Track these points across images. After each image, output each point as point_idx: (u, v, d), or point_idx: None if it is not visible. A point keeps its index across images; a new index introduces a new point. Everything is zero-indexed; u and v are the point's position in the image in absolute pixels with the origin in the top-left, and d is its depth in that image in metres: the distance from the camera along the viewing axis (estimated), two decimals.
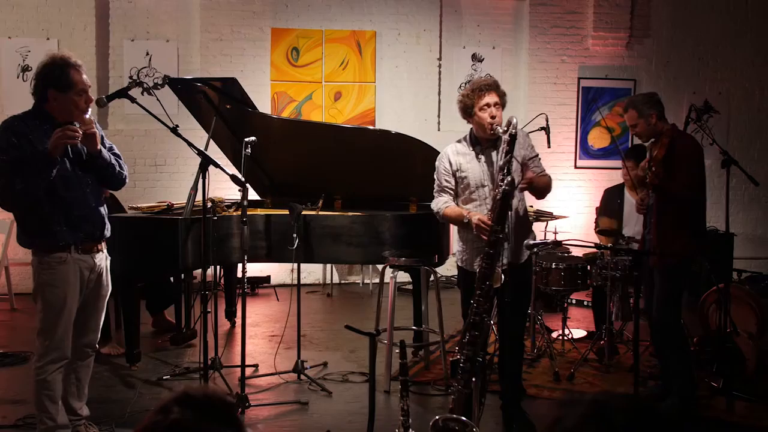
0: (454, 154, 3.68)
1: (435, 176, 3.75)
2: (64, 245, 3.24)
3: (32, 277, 3.32)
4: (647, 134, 4.02)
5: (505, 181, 3.23)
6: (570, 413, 1.09)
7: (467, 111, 3.61)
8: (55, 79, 3.17)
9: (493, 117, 3.51)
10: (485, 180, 3.59)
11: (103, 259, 3.44)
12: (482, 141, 3.63)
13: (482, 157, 3.62)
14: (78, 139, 3.14)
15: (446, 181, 3.68)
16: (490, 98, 3.54)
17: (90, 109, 3.29)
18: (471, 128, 3.69)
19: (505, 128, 3.32)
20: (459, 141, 3.73)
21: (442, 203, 3.68)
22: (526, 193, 3.74)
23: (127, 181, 3.52)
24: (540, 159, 3.72)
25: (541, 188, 3.65)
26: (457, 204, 3.69)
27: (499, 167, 3.29)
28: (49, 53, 3.29)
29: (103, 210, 3.42)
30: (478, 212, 3.51)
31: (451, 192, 3.69)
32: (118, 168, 3.43)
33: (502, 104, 3.59)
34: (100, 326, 3.54)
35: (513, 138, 3.28)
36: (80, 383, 3.50)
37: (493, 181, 3.49)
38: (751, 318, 4.87)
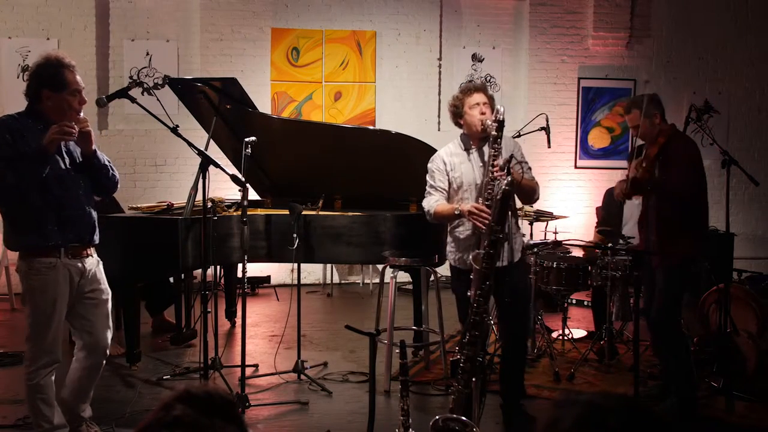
0: (448, 155, 3.70)
1: (427, 178, 3.75)
2: (53, 246, 3.20)
3: (20, 281, 3.26)
4: (650, 135, 3.95)
5: (506, 181, 3.22)
6: (566, 414, 1.10)
7: (458, 114, 3.66)
8: (48, 79, 3.15)
9: (483, 114, 3.55)
10: (478, 179, 3.60)
11: (94, 264, 3.39)
12: (474, 140, 3.66)
13: (474, 155, 3.64)
14: (74, 135, 3.14)
15: (440, 180, 3.68)
16: (479, 97, 3.60)
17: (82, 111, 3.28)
18: (462, 131, 3.73)
19: (494, 118, 3.37)
20: (452, 142, 3.77)
21: (434, 201, 3.67)
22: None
23: (118, 185, 3.50)
24: (530, 168, 3.70)
25: (526, 189, 3.60)
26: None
27: (499, 167, 3.29)
28: (43, 53, 3.27)
29: (94, 214, 3.39)
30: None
31: (443, 191, 3.69)
32: (111, 171, 3.42)
33: (491, 105, 3.62)
34: (111, 330, 3.48)
35: (501, 124, 3.33)
36: (86, 389, 3.46)
37: (485, 175, 3.50)
38: (751, 318, 4.87)
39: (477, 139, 3.64)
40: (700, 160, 3.97)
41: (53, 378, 3.32)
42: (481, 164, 3.61)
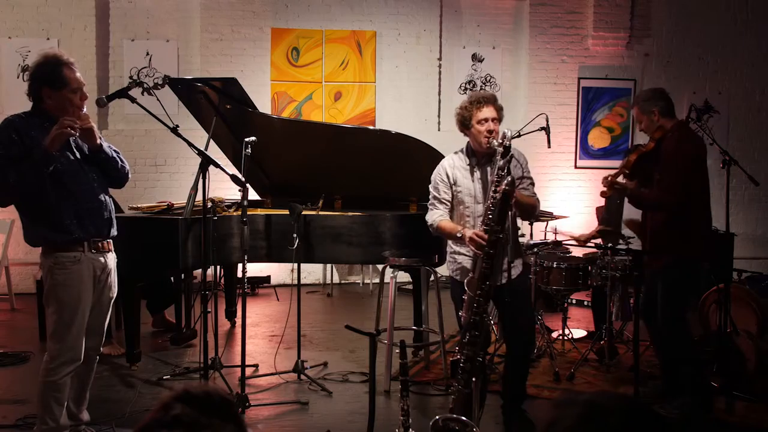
0: (451, 168, 3.66)
1: (430, 188, 3.72)
2: (77, 239, 3.22)
3: (44, 278, 3.28)
4: (650, 130, 3.98)
5: (506, 181, 3.22)
6: (566, 414, 1.10)
7: (465, 123, 3.60)
8: (48, 77, 3.16)
9: (490, 131, 3.50)
10: (479, 197, 3.58)
11: (112, 259, 3.43)
12: (478, 154, 3.62)
13: (477, 174, 3.60)
14: (76, 130, 3.14)
15: (444, 192, 3.66)
16: (489, 112, 3.53)
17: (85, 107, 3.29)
18: (468, 141, 3.68)
19: (500, 141, 3.33)
20: (456, 153, 3.72)
21: (437, 216, 3.65)
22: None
23: (129, 175, 3.52)
24: (532, 183, 3.66)
25: (524, 205, 3.55)
26: (452, 218, 3.68)
27: (498, 176, 3.28)
28: (41, 52, 3.28)
29: (111, 205, 3.42)
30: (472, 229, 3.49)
31: (448, 204, 3.67)
32: (120, 162, 3.43)
33: (499, 119, 3.57)
34: (105, 329, 3.53)
35: (507, 149, 3.29)
36: (82, 387, 3.49)
37: (487, 198, 3.47)
38: (751, 318, 4.88)
39: (482, 153, 3.59)
40: (696, 157, 3.90)
41: (69, 380, 3.32)
42: (483, 186, 3.56)
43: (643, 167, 3.97)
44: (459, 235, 3.48)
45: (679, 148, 3.85)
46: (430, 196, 3.72)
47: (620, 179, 3.97)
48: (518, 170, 3.55)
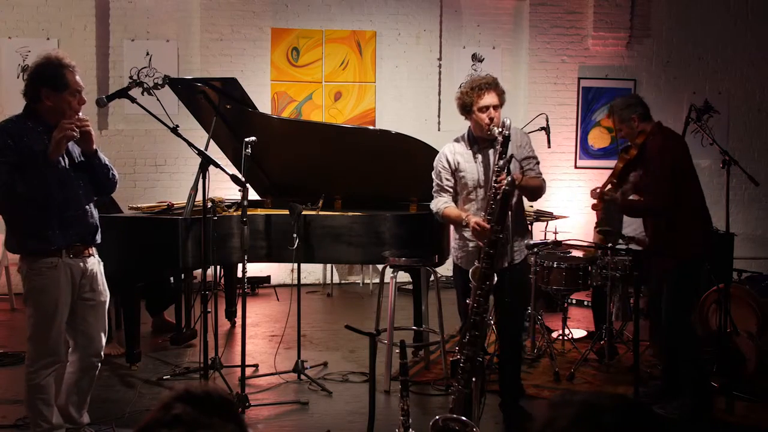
0: (452, 154, 3.67)
1: (433, 176, 3.73)
2: (55, 249, 3.19)
3: (22, 283, 3.26)
4: (632, 137, 3.99)
5: (506, 181, 3.23)
6: (561, 414, 1.10)
7: (466, 108, 3.60)
8: (49, 78, 3.15)
9: (491, 118, 3.50)
10: (482, 180, 3.59)
11: (95, 264, 3.38)
12: (480, 140, 3.63)
13: (479, 157, 3.62)
14: (76, 135, 3.14)
15: (446, 179, 3.67)
16: (490, 99, 3.53)
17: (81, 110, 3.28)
18: (469, 126, 3.69)
19: (500, 129, 3.34)
20: (456, 140, 3.73)
21: (442, 203, 3.67)
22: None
23: (117, 185, 3.49)
24: (537, 162, 3.68)
25: (531, 189, 3.60)
26: (457, 204, 3.69)
27: (498, 167, 3.29)
28: (43, 53, 3.26)
29: (96, 213, 3.39)
30: (477, 215, 3.50)
31: (451, 191, 3.68)
32: (111, 171, 3.42)
33: (500, 103, 3.58)
34: (105, 333, 3.50)
35: (506, 139, 3.30)
36: (83, 394, 3.45)
37: (489, 182, 3.49)
38: (751, 318, 4.87)
39: (483, 139, 3.61)
40: (680, 157, 3.89)
41: (53, 379, 3.30)
42: (486, 169, 3.58)
43: (631, 173, 3.98)
44: (464, 224, 3.50)
45: (661, 151, 3.85)
46: (434, 184, 3.74)
47: (609, 188, 3.99)
48: (522, 151, 3.57)
